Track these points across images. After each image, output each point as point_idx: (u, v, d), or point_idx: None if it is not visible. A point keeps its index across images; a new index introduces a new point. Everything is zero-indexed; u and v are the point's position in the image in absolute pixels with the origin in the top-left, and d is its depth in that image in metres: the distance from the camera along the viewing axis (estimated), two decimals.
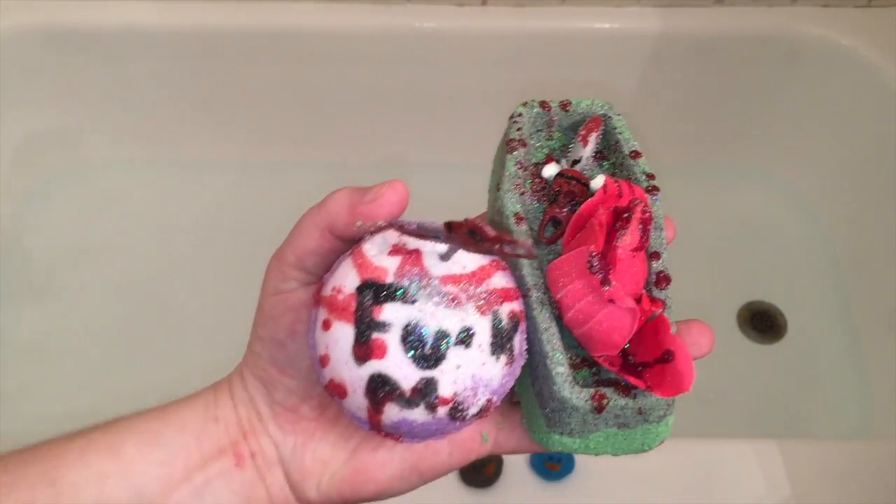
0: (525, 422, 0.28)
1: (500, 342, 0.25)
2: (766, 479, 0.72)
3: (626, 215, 0.28)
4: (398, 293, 0.24)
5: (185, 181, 1.33)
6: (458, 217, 0.24)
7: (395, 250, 0.25)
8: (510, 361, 0.26)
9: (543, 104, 0.34)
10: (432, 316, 0.24)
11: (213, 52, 1.18)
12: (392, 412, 0.25)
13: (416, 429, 0.25)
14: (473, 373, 0.24)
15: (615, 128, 0.34)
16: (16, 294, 1.16)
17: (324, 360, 0.25)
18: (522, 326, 0.26)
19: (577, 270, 0.26)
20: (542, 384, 0.26)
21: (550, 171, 0.31)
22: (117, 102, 1.25)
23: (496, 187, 0.31)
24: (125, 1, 1.14)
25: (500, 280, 0.26)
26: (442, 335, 0.24)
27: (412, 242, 0.25)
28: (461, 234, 0.23)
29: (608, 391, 0.27)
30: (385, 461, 0.28)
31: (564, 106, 0.34)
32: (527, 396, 0.27)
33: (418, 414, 0.24)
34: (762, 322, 1.21)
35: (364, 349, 0.24)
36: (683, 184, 1.36)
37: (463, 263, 0.25)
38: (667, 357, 0.28)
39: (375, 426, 0.25)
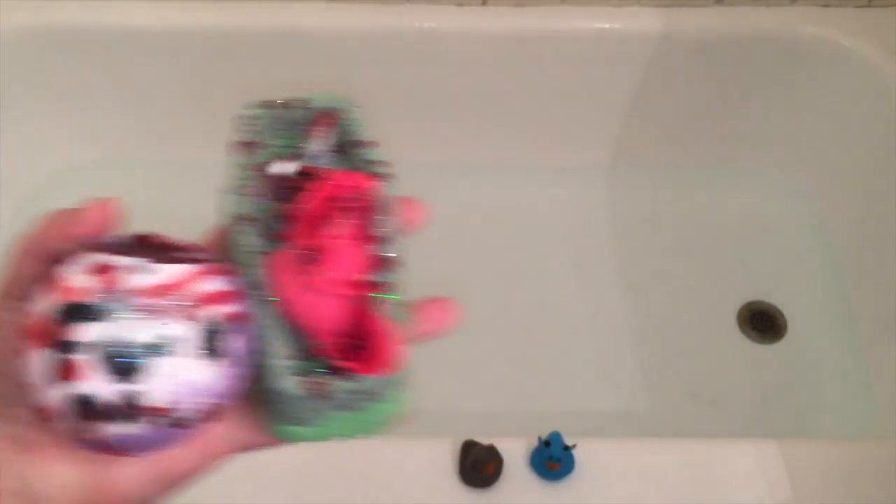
0: (263, 418, 0.28)
1: (212, 346, 0.25)
2: (767, 479, 0.72)
3: (341, 206, 0.29)
4: (94, 310, 0.24)
5: (185, 181, 1.33)
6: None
7: (92, 269, 0.25)
8: (231, 363, 0.25)
9: (275, 103, 0.33)
10: (131, 329, 0.24)
11: (214, 53, 1.18)
12: (108, 430, 0.24)
13: (141, 442, 0.25)
14: (185, 379, 0.24)
15: (351, 122, 0.33)
16: None
17: (31, 388, 0.24)
18: (245, 327, 0.26)
19: (288, 264, 0.27)
20: (266, 379, 0.27)
21: (279, 168, 0.30)
22: (117, 102, 1.25)
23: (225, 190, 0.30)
24: (125, 1, 1.14)
25: (211, 285, 0.26)
26: (144, 346, 0.24)
27: (110, 259, 0.25)
28: (152, 247, 0.25)
29: (325, 377, 0.27)
30: (128, 475, 0.27)
31: (298, 104, 0.33)
32: (258, 394, 0.28)
33: (135, 428, 0.24)
34: (762, 322, 1.22)
35: (63, 371, 0.24)
36: (683, 184, 1.37)
37: (165, 274, 0.25)
38: (365, 338, 0.27)
39: (98, 446, 0.25)
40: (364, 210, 0.29)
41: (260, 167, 0.31)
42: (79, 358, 0.23)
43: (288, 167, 0.30)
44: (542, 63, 1.20)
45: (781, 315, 1.22)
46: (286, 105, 0.32)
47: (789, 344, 1.20)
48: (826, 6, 1.17)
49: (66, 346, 0.24)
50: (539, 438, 0.71)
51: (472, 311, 1.36)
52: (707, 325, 1.22)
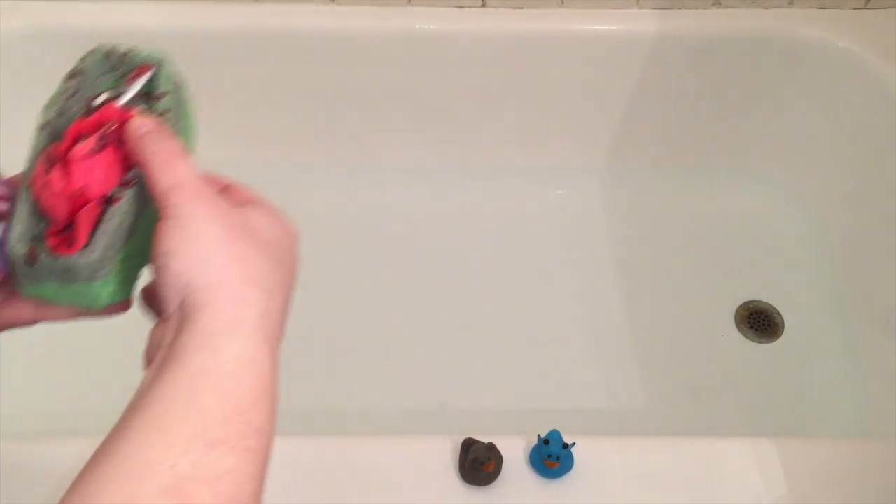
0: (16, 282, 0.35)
1: None
2: (764, 477, 0.73)
3: (101, 129, 0.35)
4: None
5: None
6: None
7: None
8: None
9: (109, 53, 0.40)
10: None
11: (214, 53, 1.19)
12: None
13: None
14: None
15: (162, 75, 0.39)
16: None
17: None
18: (6, 224, 0.34)
19: (45, 161, 0.35)
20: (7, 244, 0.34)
21: (98, 101, 0.38)
22: None
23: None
24: (126, 2, 1.14)
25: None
26: None
27: None
28: None
29: (43, 248, 0.33)
30: None
31: (126, 53, 0.40)
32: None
33: None
34: (759, 321, 1.22)
35: None
36: (681, 184, 1.37)
37: None
38: (73, 228, 0.33)
39: None
40: (110, 137, 0.35)
41: (85, 98, 0.38)
42: None
43: (101, 99, 0.38)
44: (540, 64, 1.20)
45: (778, 314, 1.23)
46: (115, 52, 0.40)
47: (786, 343, 1.20)
48: (823, 8, 1.17)
49: None
50: (538, 437, 0.71)
51: (472, 309, 1.37)
52: (705, 325, 1.23)
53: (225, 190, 0.36)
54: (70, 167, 0.34)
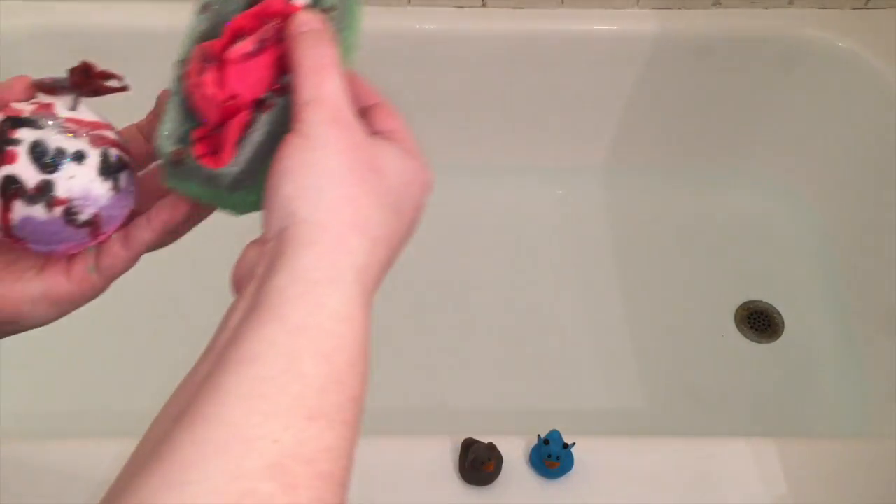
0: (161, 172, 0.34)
1: (108, 170, 0.33)
2: (763, 477, 0.73)
3: (262, 23, 0.33)
4: (29, 122, 0.32)
5: None
6: None
7: (34, 103, 0.33)
8: (116, 189, 0.33)
9: None
10: (55, 139, 0.32)
11: None
12: (19, 209, 0.31)
13: (38, 229, 0.32)
14: (84, 185, 0.32)
15: None
16: None
17: None
18: (129, 171, 0.34)
19: (202, 56, 0.33)
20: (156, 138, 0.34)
21: None
22: (119, 103, 1.25)
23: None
24: (127, 2, 1.14)
25: (111, 134, 0.34)
26: (60, 152, 0.31)
27: (49, 98, 0.34)
28: (78, 73, 0.35)
29: (188, 152, 0.32)
30: (21, 290, 0.33)
31: None
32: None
33: (39, 212, 0.31)
34: (759, 321, 1.22)
35: (1, 158, 0.31)
36: (681, 184, 1.37)
37: (85, 115, 0.34)
38: (222, 140, 0.32)
39: (6, 228, 0.32)
40: (270, 39, 0.32)
41: None
42: (15, 149, 0.31)
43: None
44: (540, 64, 1.20)
45: (778, 314, 1.23)
46: None
47: (786, 343, 1.20)
48: (823, 8, 1.17)
49: (7, 141, 0.31)
50: (538, 436, 0.71)
51: (472, 309, 1.37)
52: (704, 325, 1.23)
53: (370, 110, 0.34)
54: (224, 70, 0.32)
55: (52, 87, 0.35)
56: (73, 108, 0.34)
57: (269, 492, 0.22)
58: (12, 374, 1.10)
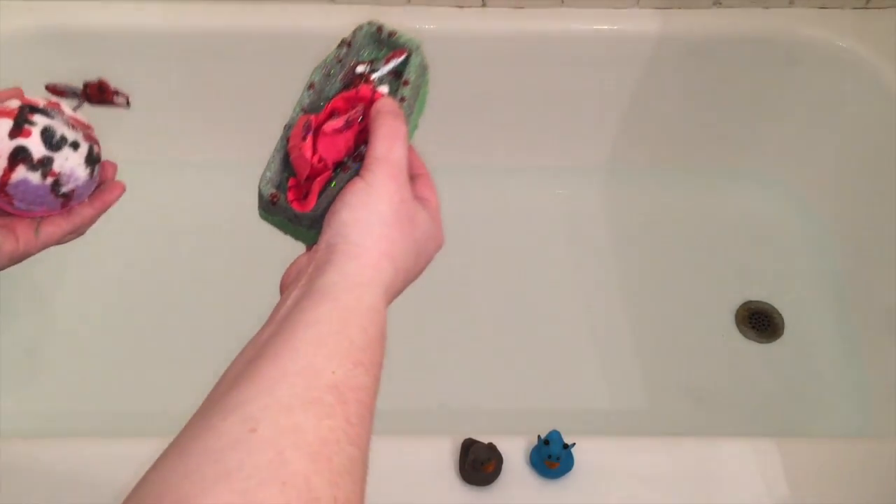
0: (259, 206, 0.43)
1: (91, 160, 0.44)
2: (764, 478, 0.73)
3: (352, 105, 0.42)
4: (44, 112, 0.42)
5: (186, 182, 1.33)
6: None
7: (46, 99, 0.44)
8: (91, 175, 0.45)
9: (379, 28, 0.47)
10: (61, 128, 0.42)
11: (215, 54, 1.19)
12: (20, 172, 0.41)
13: (29, 190, 0.42)
14: (73, 166, 0.43)
15: (413, 61, 0.45)
16: (16, 294, 1.16)
17: (7, 165, 0.42)
18: (100, 165, 0.46)
19: (300, 128, 0.42)
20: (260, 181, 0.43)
21: (359, 69, 0.45)
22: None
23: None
24: (127, 2, 1.14)
25: (94, 135, 0.46)
26: (63, 139, 0.42)
27: (58, 98, 0.45)
28: (94, 87, 0.47)
29: (283, 196, 0.41)
30: (24, 233, 0.44)
31: (392, 34, 0.47)
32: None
33: (35, 178, 0.42)
34: (760, 321, 1.22)
35: (16, 132, 0.41)
36: (681, 184, 1.37)
37: (81, 116, 0.45)
38: (309, 191, 0.40)
39: (2, 184, 0.42)
40: (355, 120, 0.42)
41: (346, 62, 0.45)
42: (31, 129, 0.41)
43: (361, 68, 0.45)
44: (541, 64, 1.20)
45: (779, 314, 1.23)
46: (384, 29, 0.47)
47: (787, 343, 1.20)
48: (823, 8, 1.17)
49: (26, 121, 0.41)
50: (538, 437, 0.71)
51: (472, 309, 1.37)
52: (705, 325, 1.23)
53: (417, 178, 0.44)
54: (319, 140, 0.41)
55: (62, 91, 0.47)
56: (76, 109, 0.45)
57: (330, 402, 0.32)
58: (12, 374, 1.10)
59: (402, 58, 0.45)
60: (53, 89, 0.46)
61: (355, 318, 0.35)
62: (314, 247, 0.39)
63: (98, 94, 0.47)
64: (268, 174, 0.42)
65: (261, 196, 0.42)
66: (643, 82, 1.22)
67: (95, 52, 1.17)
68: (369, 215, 0.38)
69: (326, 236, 0.38)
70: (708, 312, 1.24)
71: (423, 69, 0.46)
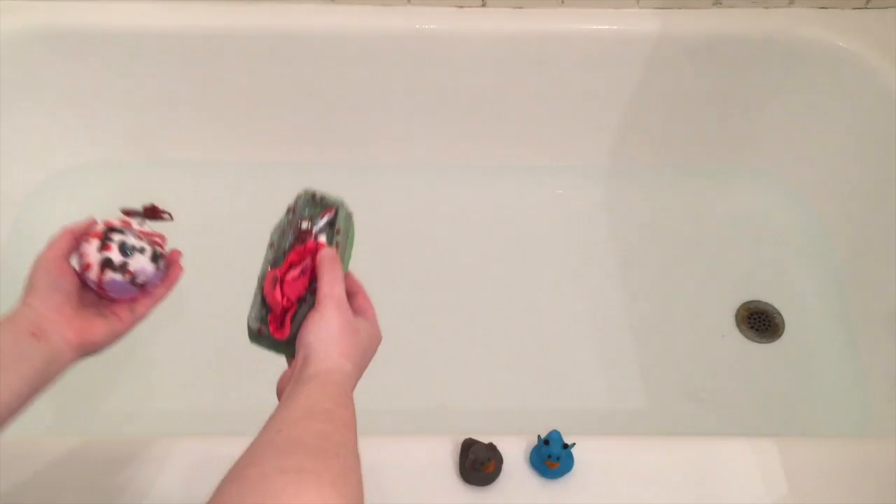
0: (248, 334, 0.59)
1: (154, 259, 0.58)
2: (765, 477, 0.73)
3: (304, 255, 0.59)
4: (119, 230, 0.57)
5: (186, 181, 1.33)
6: None
7: (121, 219, 0.60)
8: (157, 269, 0.59)
9: (313, 194, 0.64)
10: (131, 240, 0.57)
11: (215, 54, 1.19)
12: (108, 275, 0.56)
13: (116, 286, 0.57)
14: (142, 265, 0.57)
15: (342, 214, 0.63)
16: (16, 294, 1.16)
17: (86, 267, 0.57)
18: (164, 260, 0.60)
19: (269, 281, 0.58)
20: (248, 317, 0.58)
21: (303, 225, 0.62)
22: (118, 103, 1.25)
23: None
24: (126, 3, 1.14)
25: (158, 240, 0.60)
26: (132, 248, 0.57)
27: (127, 218, 0.60)
28: (149, 210, 0.61)
29: (265, 328, 0.57)
30: (101, 325, 0.58)
31: (322, 197, 0.64)
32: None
33: (119, 277, 0.57)
34: (760, 321, 1.22)
35: (103, 247, 0.57)
36: (682, 184, 1.37)
37: (146, 228, 0.60)
38: (283, 321, 0.56)
39: (100, 284, 0.57)
40: (308, 267, 0.58)
41: (294, 221, 0.62)
42: (111, 244, 0.56)
43: (305, 225, 0.62)
44: (541, 64, 1.20)
45: (778, 314, 1.23)
46: (316, 195, 0.64)
47: (787, 343, 1.20)
48: (823, 8, 1.17)
49: (107, 239, 0.57)
50: (538, 437, 0.72)
51: (472, 309, 1.36)
52: (705, 325, 1.23)
53: (355, 295, 0.60)
54: (284, 285, 0.57)
55: (132, 212, 0.61)
56: (141, 224, 0.60)
57: (322, 418, 0.48)
58: None
59: (333, 213, 0.62)
60: (126, 212, 0.61)
61: (327, 389, 0.51)
62: (293, 360, 0.55)
63: (152, 213, 0.63)
64: (252, 313, 0.58)
65: (250, 329, 0.58)
66: (643, 82, 1.22)
67: (95, 52, 1.17)
68: (327, 335, 0.54)
69: (301, 353, 0.54)
70: (708, 312, 1.24)
71: (349, 217, 0.63)
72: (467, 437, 0.73)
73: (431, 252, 1.30)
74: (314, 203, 0.63)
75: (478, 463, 0.70)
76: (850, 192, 1.25)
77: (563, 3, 1.16)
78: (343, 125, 1.31)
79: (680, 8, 1.16)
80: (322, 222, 0.61)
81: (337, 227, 0.61)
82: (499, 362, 1.18)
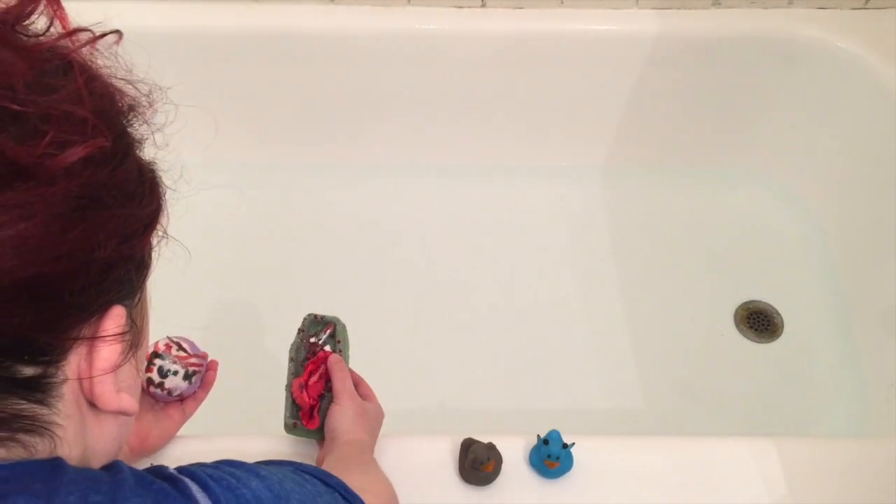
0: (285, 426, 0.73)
1: (187, 377, 0.70)
2: (763, 477, 0.73)
3: (318, 363, 0.75)
4: (160, 356, 0.69)
5: (186, 181, 1.33)
6: None
7: (166, 343, 0.70)
8: (189, 383, 0.70)
9: (315, 316, 0.78)
10: (168, 364, 0.69)
11: (214, 53, 1.19)
12: (151, 389, 0.68)
13: (159, 397, 0.70)
14: (177, 383, 0.69)
15: (339, 329, 0.78)
16: None
17: (147, 384, 0.69)
18: (198, 376, 0.71)
19: (297, 388, 0.73)
20: (284, 413, 0.74)
21: (313, 340, 0.77)
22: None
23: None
24: (127, 2, 1.14)
25: (193, 360, 0.71)
26: (169, 370, 0.69)
27: (169, 346, 0.70)
28: (185, 341, 0.71)
29: (299, 423, 0.72)
30: (155, 434, 0.71)
31: (322, 317, 0.78)
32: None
33: (159, 392, 0.69)
34: (759, 321, 1.22)
35: (146, 370, 0.68)
36: (681, 184, 1.37)
37: (182, 353, 0.71)
38: (311, 415, 0.72)
39: (154, 396, 0.69)
40: (324, 373, 0.75)
41: (305, 338, 0.77)
42: (154, 367, 0.69)
43: (313, 339, 0.77)
44: (540, 64, 1.20)
45: (778, 314, 1.23)
46: (317, 316, 0.78)
47: (786, 343, 1.20)
48: (822, 8, 1.18)
49: (150, 363, 0.69)
50: (538, 436, 0.72)
51: (471, 310, 1.36)
52: (704, 325, 1.23)
53: (359, 384, 0.75)
54: (307, 389, 0.73)
55: (174, 341, 0.71)
56: (179, 350, 0.70)
57: (356, 462, 0.66)
58: None
59: (332, 328, 0.78)
60: (172, 339, 0.71)
61: (353, 461, 0.66)
62: (324, 442, 0.70)
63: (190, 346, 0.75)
64: (287, 413, 0.73)
65: (286, 424, 0.72)
66: (643, 82, 1.23)
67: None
68: (346, 419, 0.69)
69: (329, 435, 0.69)
70: (707, 312, 1.24)
71: (344, 328, 0.79)
72: (467, 436, 0.73)
73: (431, 251, 1.30)
74: (317, 322, 0.78)
75: (477, 463, 0.70)
76: (849, 192, 1.25)
77: (562, 3, 1.16)
78: (343, 125, 1.31)
79: (679, 8, 1.16)
80: (325, 336, 0.78)
81: (337, 338, 0.78)
82: (499, 362, 1.18)
